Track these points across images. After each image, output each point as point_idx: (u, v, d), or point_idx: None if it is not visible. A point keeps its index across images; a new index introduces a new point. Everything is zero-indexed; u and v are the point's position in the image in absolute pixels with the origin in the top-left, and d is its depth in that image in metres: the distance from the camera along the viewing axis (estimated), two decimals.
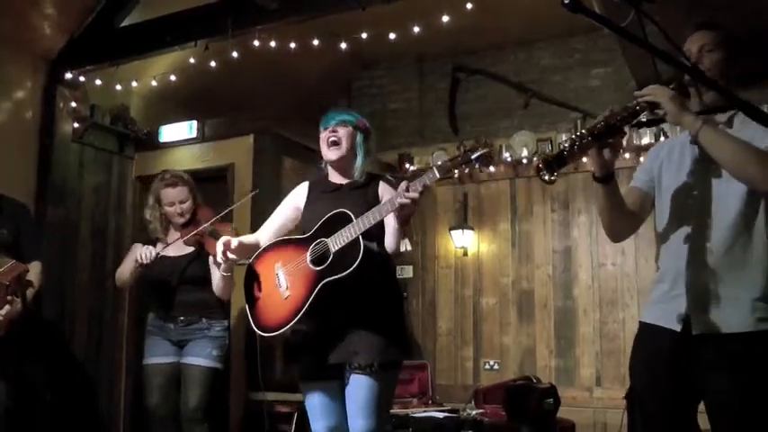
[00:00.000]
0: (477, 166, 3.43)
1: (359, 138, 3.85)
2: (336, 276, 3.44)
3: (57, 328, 7.10)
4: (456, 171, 3.37)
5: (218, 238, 4.81)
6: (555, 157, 2.87)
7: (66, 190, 7.39)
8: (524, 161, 8.20)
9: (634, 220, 3.22)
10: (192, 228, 5.22)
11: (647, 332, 3.06)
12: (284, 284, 3.68)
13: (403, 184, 3.28)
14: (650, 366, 3.01)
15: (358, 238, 3.40)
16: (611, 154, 2.95)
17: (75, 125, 7.51)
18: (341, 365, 3.62)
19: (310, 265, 3.56)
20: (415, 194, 3.26)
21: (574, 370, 7.81)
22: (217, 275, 5.00)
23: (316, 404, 3.76)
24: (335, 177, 3.92)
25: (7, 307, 4.92)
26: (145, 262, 5.04)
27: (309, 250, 3.60)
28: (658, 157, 3.19)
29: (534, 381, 7.07)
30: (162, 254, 5.21)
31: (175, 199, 5.29)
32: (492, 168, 8.39)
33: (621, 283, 7.72)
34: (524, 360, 8.05)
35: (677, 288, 2.93)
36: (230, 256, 3.83)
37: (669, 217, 3.05)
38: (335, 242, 3.48)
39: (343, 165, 3.86)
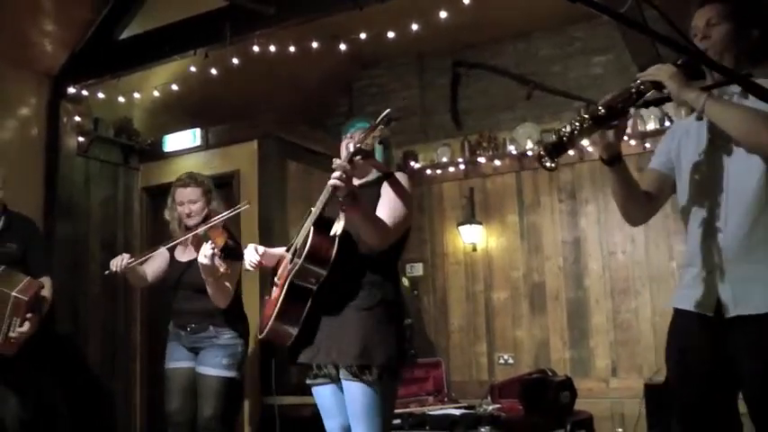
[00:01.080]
0: (388, 126, 3.30)
1: (377, 148, 3.79)
2: (291, 272, 3.45)
3: (71, 342, 7.11)
4: (372, 137, 3.25)
5: (207, 242, 4.84)
6: (555, 144, 2.83)
7: (74, 204, 7.42)
8: (529, 153, 8.18)
9: (651, 202, 3.13)
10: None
11: (680, 318, 2.99)
12: (276, 285, 3.75)
13: (335, 161, 3.27)
14: (684, 354, 2.94)
15: (309, 231, 3.40)
16: (616, 136, 2.90)
17: (80, 139, 7.54)
18: (336, 366, 3.59)
19: (288, 264, 3.58)
20: (338, 172, 3.20)
21: (589, 361, 7.80)
22: (207, 284, 4.99)
23: (323, 403, 3.75)
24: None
25: (27, 324, 4.95)
26: (113, 270, 5.03)
27: (291, 243, 3.65)
28: (675, 138, 3.11)
29: (549, 373, 7.05)
30: (177, 257, 5.32)
31: (185, 198, 5.29)
32: (497, 162, 8.40)
33: (633, 272, 7.70)
34: (539, 353, 8.03)
35: (705, 271, 2.86)
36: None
37: (690, 198, 2.98)
38: (299, 237, 3.53)
39: (359, 170, 3.77)
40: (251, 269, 3.92)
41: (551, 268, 8.14)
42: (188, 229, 5.30)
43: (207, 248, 4.73)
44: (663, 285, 7.47)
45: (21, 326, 4.94)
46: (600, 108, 2.83)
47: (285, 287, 3.51)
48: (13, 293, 4.91)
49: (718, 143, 2.86)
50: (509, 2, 7.27)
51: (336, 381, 3.61)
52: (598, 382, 7.65)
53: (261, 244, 7.05)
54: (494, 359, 8.28)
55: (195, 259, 5.18)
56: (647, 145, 7.51)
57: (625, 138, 7.33)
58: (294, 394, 6.85)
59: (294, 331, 3.60)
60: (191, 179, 5.42)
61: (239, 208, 5.36)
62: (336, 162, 3.24)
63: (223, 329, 5.21)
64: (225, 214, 5.17)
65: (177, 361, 5.31)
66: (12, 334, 4.91)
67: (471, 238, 8.42)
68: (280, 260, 3.90)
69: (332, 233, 3.38)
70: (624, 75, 7.96)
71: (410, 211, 3.66)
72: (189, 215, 5.27)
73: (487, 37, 8.85)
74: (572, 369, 7.68)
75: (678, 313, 3.00)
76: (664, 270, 7.51)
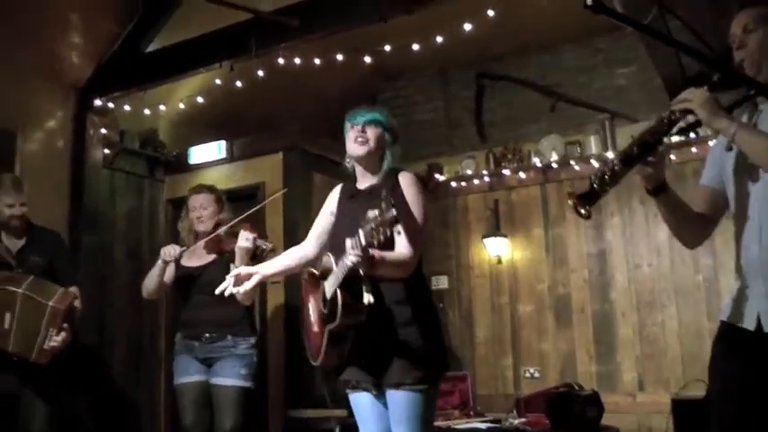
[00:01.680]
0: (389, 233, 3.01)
1: (388, 140, 3.77)
2: (330, 326, 3.41)
3: (96, 352, 7.14)
4: (382, 233, 2.98)
5: (236, 235, 4.84)
6: (587, 193, 2.81)
7: (99, 216, 7.47)
8: (554, 165, 8.16)
9: (705, 222, 3.08)
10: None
11: (724, 331, 2.94)
12: (312, 318, 3.68)
13: (347, 243, 3.13)
14: (724, 367, 2.90)
15: (335, 291, 3.33)
16: (656, 167, 2.84)
17: (106, 151, 7.60)
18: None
19: (321, 306, 3.53)
20: (354, 257, 3.12)
21: (615, 375, 7.73)
22: None
23: (361, 411, 3.72)
24: (360, 178, 3.83)
25: (63, 334, 4.98)
26: (168, 259, 5.08)
27: (320, 290, 3.56)
28: (721, 150, 3.01)
29: (576, 387, 7.01)
30: (184, 264, 5.26)
31: (197, 204, 5.32)
32: (522, 174, 8.37)
33: (659, 284, 7.63)
34: (564, 366, 7.98)
35: (750, 285, 2.83)
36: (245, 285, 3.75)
37: (736, 213, 2.92)
38: (329, 286, 3.43)
39: (368, 163, 3.76)
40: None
41: (577, 281, 8.09)
42: (197, 236, 5.31)
43: (245, 233, 4.78)
44: (689, 298, 7.41)
45: (57, 335, 4.96)
46: (631, 148, 2.77)
47: (326, 335, 3.47)
48: (51, 303, 4.94)
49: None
50: (533, 14, 7.25)
51: (376, 389, 3.59)
52: (625, 397, 7.58)
53: None
54: (519, 372, 8.24)
55: (210, 263, 5.19)
56: (672, 157, 7.45)
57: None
58: (318, 407, 6.86)
59: (343, 359, 3.59)
60: (203, 186, 5.52)
61: (258, 207, 5.44)
62: (351, 247, 3.11)
63: (240, 339, 5.19)
64: (245, 214, 5.19)
65: (189, 375, 5.25)
66: (48, 344, 4.94)
67: (496, 250, 8.39)
68: (309, 279, 3.81)
69: (365, 302, 3.31)
70: (648, 86, 7.95)
71: (426, 218, 3.59)
72: (199, 219, 5.27)
73: (511, 49, 8.85)
74: (598, 383, 7.62)
75: (722, 326, 2.96)
76: (690, 283, 7.44)
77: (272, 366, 7.19)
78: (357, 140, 3.73)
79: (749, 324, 2.79)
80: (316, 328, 3.64)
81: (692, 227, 3.06)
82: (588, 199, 2.78)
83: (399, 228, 2.95)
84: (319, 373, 7.08)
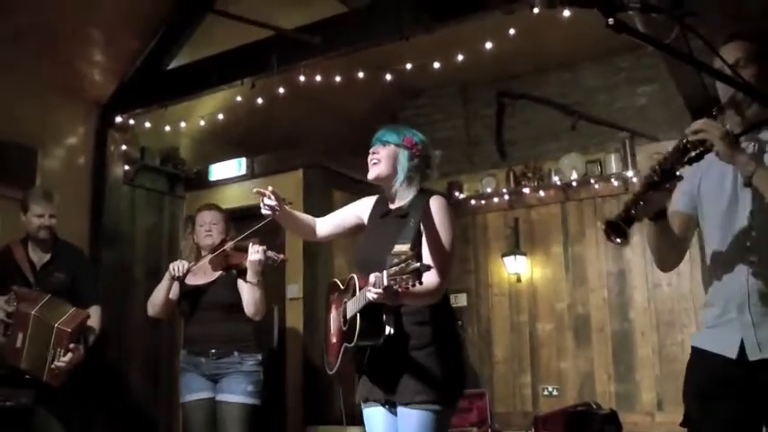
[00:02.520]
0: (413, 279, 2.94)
1: (402, 156, 3.67)
2: (347, 345, 3.41)
3: (115, 369, 7.16)
4: (404, 279, 2.93)
5: (243, 250, 4.85)
6: (622, 220, 2.72)
7: (119, 232, 7.50)
8: (574, 184, 8.17)
9: (681, 246, 3.08)
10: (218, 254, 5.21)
11: (700, 358, 2.93)
12: (332, 329, 3.69)
13: (371, 278, 3.09)
14: (705, 394, 2.88)
15: (355, 314, 3.32)
16: (663, 196, 2.82)
17: (126, 168, 7.63)
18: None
19: (341, 323, 3.53)
20: (374, 295, 3.08)
21: (634, 394, 7.71)
22: (245, 290, 4.98)
23: (373, 425, 3.69)
24: (389, 200, 3.77)
25: (70, 355, 4.97)
26: (176, 274, 5.03)
27: (342, 306, 3.55)
28: (696, 175, 3.00)
29: (594, 406, 6.99)
30: (188, 282, 5.21)
31: (207, 219, 5.29)
32: (542, 192, 8.38)
33: (678, 304, 7.62)
34: (583, 385, 7.96)
35: (729, 313, 2.82)
36: (268, 202, 3.80)
37: (715, 240, 2.91)
38: (350, 308, 3.42)
39: (387, 183, 3.71)
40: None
41: (596, 300, 8.07)
42: (200, 254, 5.31)
43: (256, 246, 4.81)
44: None
45: (64, 356, 4.95)
46: (655, 177, 2.73)
47: (341, 350, 3.49)
48: (56, 325, 4.93)
49: (748, 189, 2.79)
50: (554, 32, 7.25)
51: (390, 405, 3.57)
52: (644, 416, 7.55)
53: (305, 272, 7.16)
54: (538, 391, 8.22)
55: (216, 279, 5.18)
56: None
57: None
58: (336, 424, 6.85)
59: (363, 363, 3.57)
60: (213, 205, 5.51)
61: (267, 219, 5.45)
62: (374, 285, 3.07)
63: (247, 356, 5.11)
64: (258, 225, 5.19)
65: (196, 392, 5.13)
66: (55, 365, 4.94)
67: (515, 268, 8.39)
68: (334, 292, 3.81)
69: (385, 332, 3.32)
70: (669, 105, 7.93)
71: (454, 244, 3.53)
72: (208, 233, 5.26)
73: (532, 67, 8.86)
74: (617, 402, 7.60)
75: (697, 352, 2.96)
76: None
77: (290, 383, 7.19)
78: (370, 162, 3.71)
79: (730, 353, 2.78)
80: (334, 340, 3.65)
81: (675, 251, 3.07)
82: (620, 228, 2.71)
83: (427, 264, 2.96)
84: (337, 389, 7.08)
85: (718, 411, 2.81)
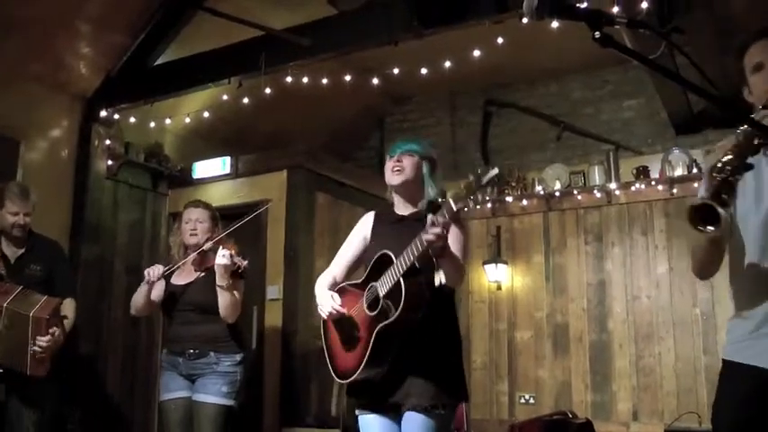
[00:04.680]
0: (488, 189, 3.22)
1: (425, 168, 3.77)
2: (386, 322, 3.38)
3: (92, 364, 7.12)
4: (472, 198, 3.17)
5: (216, 253, 4.84)
6: (717, 202, 2.36)
7: (101, 227, 7.46)
8: (557, 194, 8.21)
9: (721, 255, 2.84)
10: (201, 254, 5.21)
11: (735, 372, 2.82)
12: (347, 334, 3.66)
13: (429, 219, 3.18)
14: (739, 407, 2.78)
15: (398, 280, 3.32)
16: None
17: (110, 163, 7.59)
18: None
19: (367, 311, 3.52)
20: (437, 230, 3.15)
21: (610, 404, 7.74)
22: (218, 292, 4.95)
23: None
24: (401, 208, 3.83)
25: (48, 337, 4.94)
26: (151, 279, 5.02)
27: (364, 296, 3.56)
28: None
29: (570, 416, 7.00)
30: (173, 281, 5.20)
31: (193, 217, 5.26)
32: (525, 201, 8.40)
33: (657, 317, 7.66)
34: (560, 394, 7.98)
35: (766, 326, 2.72)
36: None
37: (749, 249, 2.79)
38: (382, 286, 3.43)
39: (407, 193, 3.78)
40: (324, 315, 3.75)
41: (575, 310, 8.11)
42: (187, 250, 5.30)
43: (223, 250, 4.79)
44: (686, 331, 7.44)
45: (42, 340, 4.91)
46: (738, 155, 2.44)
47: (374, 336, 3.45)
48: (31, 314, 4.89)
49: None
50: (542, 43, 7.28)
51: (395, 412, 3.57)
52: (619, 427, 7.59)
53: (286, 274, 7.15)
54: (515, 399, 8.24)
55: (196, 279, 5.17)
56: (675, 191, 7.50)
57: (652, 183, 7.37)
58: (313, 426, 6.84)
59: (383, 370, 3.52)
60: (201, 202, 5.47)
61: (252, 215, 5.43)
62: (435, 221, 3.17)
63: (224, 356, 5.09)
64: (236, 224, 5.18)
65: (173, 391, 5.13)
66: (35, 350, 4.91)
67: (496, 276, 8.41)
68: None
69: (436, 283, 3.32)
70: (654, 119, 8.01)
71: (468, 249, 3.68)
72: (193, 231, 5.24)
73: (520, 77, 8.90)
74: (593, 412, 7.64)
75: (731, 366, 2.85)
76: (687, 316, 7.47)
77: (267, 384, 7.17)
78: (393, 170, 3.75)
79: (765, 364, 2.70)
80: (346, 349, 3.63)
81: (717, 261, 2.87)
82: (713, 211, 2.36)
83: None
84: (315, 392, 7.08)
85: (746, 423, 2.75)
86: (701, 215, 2.38)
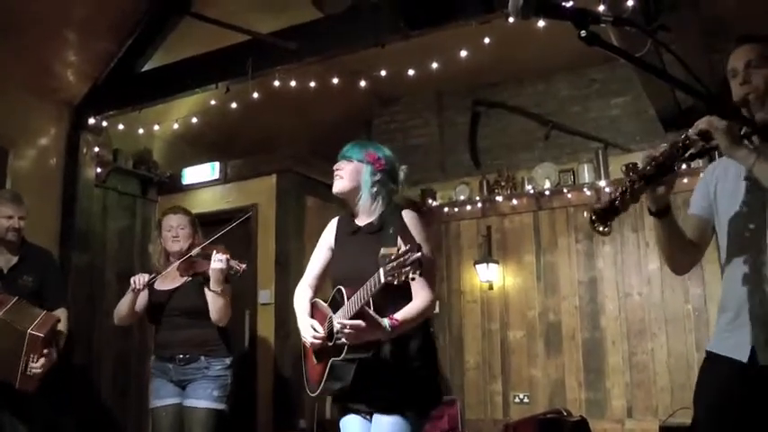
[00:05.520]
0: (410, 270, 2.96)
1: (365, 172, 3.66)
2: (336, 359, 3.39)
3: (84, 373, 7.10)
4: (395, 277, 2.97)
5: (208, 257, 4.84)
6: (605, 209, 2.74)
7: (90, 234, 7.44)
8: (547, 193, 8.22)
9: (695, 249, 3.05)
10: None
11: (713, 362, 2.92)
12: (314, 350, 3.66)
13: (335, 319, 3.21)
14: (715, 397, 2.88)
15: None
16: (665, 189, 2.81)
17: (98, 170, 7.57)
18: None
19: (326, 340, 3.51)
20: (346, 336, 3.18)
21: (604, 402, 7.75)
22: (210, 297, 4.96)
23: None
24: (356, 216, 3.76)
25: (42, 360, 4.93)
26: (137, 288, 5.00)
27: (326, 322, 3.55)
28: (713, 179, 3.04)
29: (565, 413, 7.01)
30: (157, 288, 5.18)
31: (174, 223, 5.24)
32: (515, 201, 8.41)
33: (649, 314, 7.67)
34: (554, 393, 7.99)
35: (742, 317, 2.81)
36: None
37: (729, 244, 2.91)
38: (336, 320, 3.39)
39: (352, 200, 3.73)
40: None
41: (567, 308, 8.12)
42: (169, 257, 5.28)
43: (218, 255, 4.79)
44: (678, 327, 7.45)
45: (36, 362, 4.91)
46: (648, 166, 2.73)
47: (328, 367, 3.45)
48: (29, 331, 4.87)
49: (761, 191, 2.77)
50: (528, 42, 7.28)
51: (365, 413, 3.57)
52: (613, 424, 7.60)
53: (277, 278, 7.14)
54: (509, 398, 8.25)
55: (182, 285, 5.15)
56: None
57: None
58: (306, 430, 6.83)
59: (345, 386, 3.49)
60: (180, 208, 5.46)
61: (237, 222, 5.42)
62: (337, 323, 3.19)
63: (214, 360, 5.07)
64: (222, 231, 5.18)
65: (164, 398, 5.11)
66: (30, 371, 4.89)
67: (488, 276, 8.41)
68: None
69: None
70: (642, 117, 8.02)
71: (434, 254, 3.59)
72: (175, 238, 5.22)
73: (507, 76, 8.91)
74: (587, 410, 7.64)
75: (710, 357, 2.95)
76: (679, 312, 7.49)
77: (260, 389, 7.17)
78: (334, 177, 3.72)
79: (742, 356, 2.78)
80: (316, 361, 3.63)
81: (685, 253, 3.05)
82: (607, 215, 2.74)
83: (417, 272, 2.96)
84: (308, 396, 7.07)
85: (725, 417, 2.82)
86: (599, 217, 2.75)
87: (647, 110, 7.74)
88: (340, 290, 3.43)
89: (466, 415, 8.18)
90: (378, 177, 3.66)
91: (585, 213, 2.83)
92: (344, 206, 3.84)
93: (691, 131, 2.71)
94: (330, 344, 3.46)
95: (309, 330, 3.60)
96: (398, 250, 2.95)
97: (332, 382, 3.50)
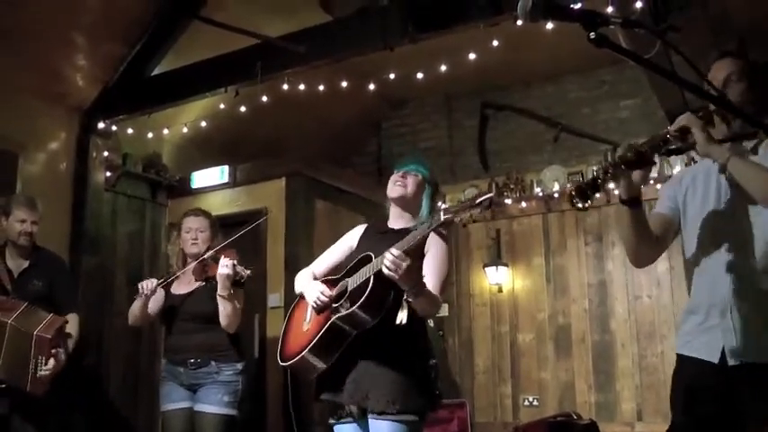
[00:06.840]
0: (479, 210, 3.17)
1: (427, 191, 3.82)
2: (339, 314, 3.41)
3: (94, 376, 7.11)
4: (462, 214, 3.16)
5: (218, 262, 4.84)
6: (588, 185, 2.83)
7: (100, 238, 7.46)
8: (556, 195, 8.20)
9: (657, 245, 3.14)
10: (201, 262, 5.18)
11: (684, 364, 3.02)
12: (308, 318, 3.71)
13: (388, 252, 3.18)
14: (689, 399, 2.95)
15: (369, 277, 3.34)
16: (640, 178, 2.91)
17: (108, 174, 7.59)
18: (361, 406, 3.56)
19: (330, 302, 3.56)
20: (390, 263, 3.16)
21: (614, 405, 7.73)
22: (219, 302, 4.94)
23: None
24: (393, 221, 3.85)
25: (52, 361, 4.94)
26: (145, 293, 5.00)
27: (335, 289, 3.61)
28: (682, 185, 3.14)
29: (575, 417, 7.00)
30: (174, 292, 5.18)
31: (194, 226, 5.23)
32: (524, 204, 8.40)
33: (659, 316, 7.66)
34: (564, 396, 7.98)
35: (711, 319, 2.89)
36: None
37: (697, 247, 3.00)
38: (353, 282, 3.46)
39: (403, 207, 3.81)
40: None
41: (577, 311, 8.10)
42: (187, 259, 5.28)
43: (225, 260, 4.79)
44: None
45: (46, 364, 4.92)
46: (628, 152, 2.83)
47: (327, 325, 3.48)
48: (35, 333, 4.89)
49: (731, 195, 2.90)
50: (537, 45, 7.29)
51: (360, 419, 3.57)
52: (623, 427, 7.58)
53: (287, 282, 7.14)
54: (519, 401, 8.23)
55: (196, 289, 5.15)
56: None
57: (651, 182, 7.37)
58: None
59: (322, 367, 3.57)
60: (201, 211, 5.45)
61: (253, 225, 5.41)
62: (392, 254, 3.17)
63: (225, 365, 5.05)
64: (237, 234, 5.18)
65: (175, 402, 5.09)
66: (40, 373, 4.91)
67: (497, 279, 8.41)
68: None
69: (397, 321, 3.34)
70: (651, 119, 8.00)
71: (446, 274, 3.66)
72: (194, 241, 5.22)
73: (516, 79, 8.91)
74: (597, 413, 7.63)
75: (681, 359, 3.04)
76: None
77: (270, 393, 7.16)
78: (396, 183, 3.80)
79: (713, 358, 2.85)
80: (309, 326, 3.66)
81: (648, 247, 3.12)
82: (589, 190, 2.83)
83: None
84: (319, 402, 7.06)
85: (700, 418, 2.88)
86: (579, 193, 2.84)
87: (657, 112, 7.72)
88: (368, 254, 3.48)
89: (475, 418, 8.17)
90: (432, 201, 3.82)
91: (568, 186, 2.92)
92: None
93: (671, 127, 2.83)
94: (333, 305, 3.52)
95: (317, 289, 3.68)
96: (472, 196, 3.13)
97: (313, 355, 3.54)
